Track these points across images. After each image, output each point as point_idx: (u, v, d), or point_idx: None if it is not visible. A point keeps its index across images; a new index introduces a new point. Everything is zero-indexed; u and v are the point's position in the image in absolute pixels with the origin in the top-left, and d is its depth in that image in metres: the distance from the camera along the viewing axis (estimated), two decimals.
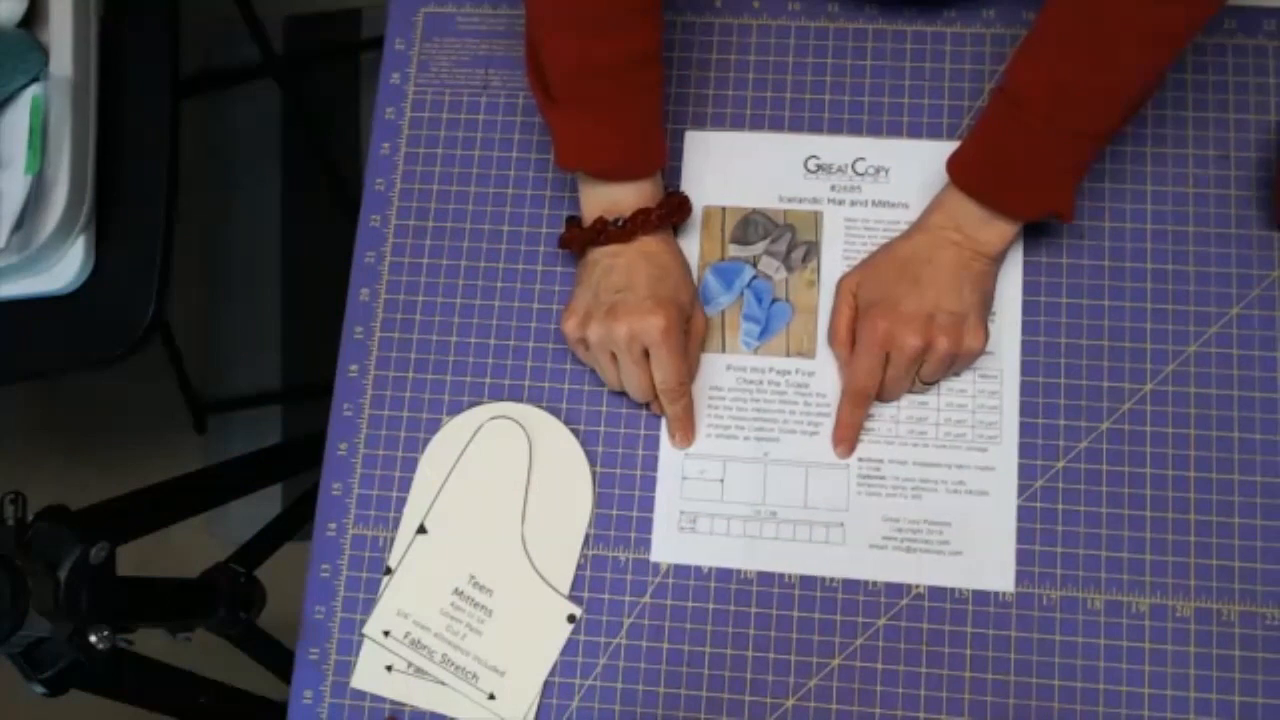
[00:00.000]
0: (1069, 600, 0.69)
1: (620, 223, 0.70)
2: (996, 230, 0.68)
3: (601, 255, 0.71)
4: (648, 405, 0.74)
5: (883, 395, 0.72)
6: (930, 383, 0.72)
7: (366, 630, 0.73)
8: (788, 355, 0.74)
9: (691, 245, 0.76)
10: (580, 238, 0.72)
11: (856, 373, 0.70)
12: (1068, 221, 0.69)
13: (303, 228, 1.60)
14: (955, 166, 0.69)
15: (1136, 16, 0.60)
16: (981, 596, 0.70)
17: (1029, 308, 0.73)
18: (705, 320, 0.75)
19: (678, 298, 0.70)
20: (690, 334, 0.73)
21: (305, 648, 0.73)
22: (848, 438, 0.72)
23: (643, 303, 0.68)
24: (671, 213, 0.72)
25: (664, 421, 0.74)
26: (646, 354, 0.70)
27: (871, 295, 0.71)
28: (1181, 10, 0.61)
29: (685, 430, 0.73)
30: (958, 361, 0.70)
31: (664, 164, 0.72)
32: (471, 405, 0.76)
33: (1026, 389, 0.72)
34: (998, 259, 0.70)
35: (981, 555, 0.70)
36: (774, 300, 0.75)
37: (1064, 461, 0.71)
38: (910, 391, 0.72)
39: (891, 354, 0.69)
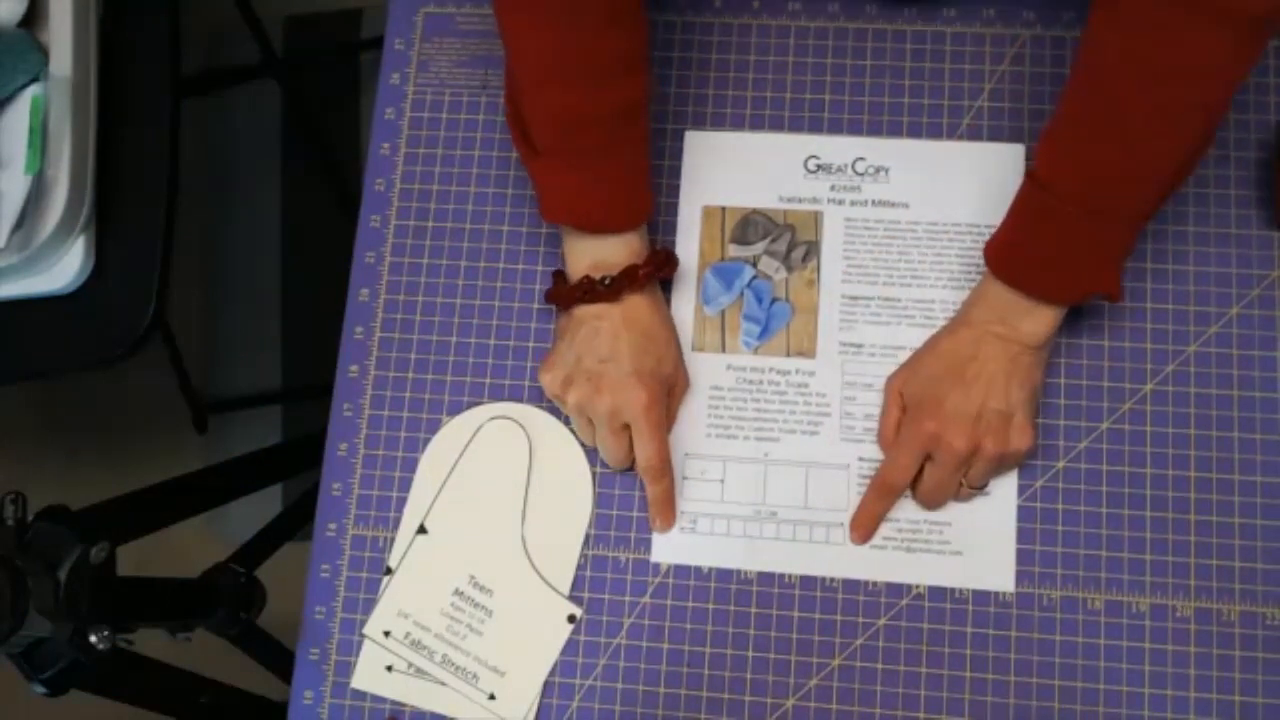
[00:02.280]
0: (1069, 600, 0.69)
1: (607, 281, 0.69)
2: (1040, 318, 0.66)
3: (586, 315, 0.70)
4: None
5: (929, 500, 0.70)
6: (977, 487, 0.70)
7: (367, 630, 0.73)
8: (788, 355, 0.74)
9: (691, 245, 0.76)
10: (568, 295, 0.71)
11: (892, 468, 0.69)
12: (1117, 301, 0.66)
13: (303, 228, 1.60)
14: (992, 255, 0.67)
15: (1158, 92, 0.58)
16: (981, 596, 0.70)
17: None
18: (687, 381, 0.74)
19: (661, 370, 0.70)
20: (671, 395, 0.72)
21: (305, 648, 0.73)
22: (866, 526, 0.71)
23: (626, 377, 0.68)
24: (659, 268, 0.71)
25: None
26: (626, 426, 0.70)
27: (917, 394, 0.69)
28: (1204, 82, 0.58)
29: (666, 514, 0.72)
30: (1005, 462, 0.69)
31: (650, 215, 0.71)
32: (471, 405, 0.76)
33: None
34: (1044, 347, 0.68)
35: (981, 555, 0.70)
36: (774, 300, 0.75)
37: (1064, 461, 0.71)
38: (957, 498, 0.70)
39: (936, 455, 0.68)
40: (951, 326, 0.70)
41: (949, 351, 0.69)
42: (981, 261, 0.68)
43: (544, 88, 0.66)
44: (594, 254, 0.70)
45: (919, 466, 0.69)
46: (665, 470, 0.70)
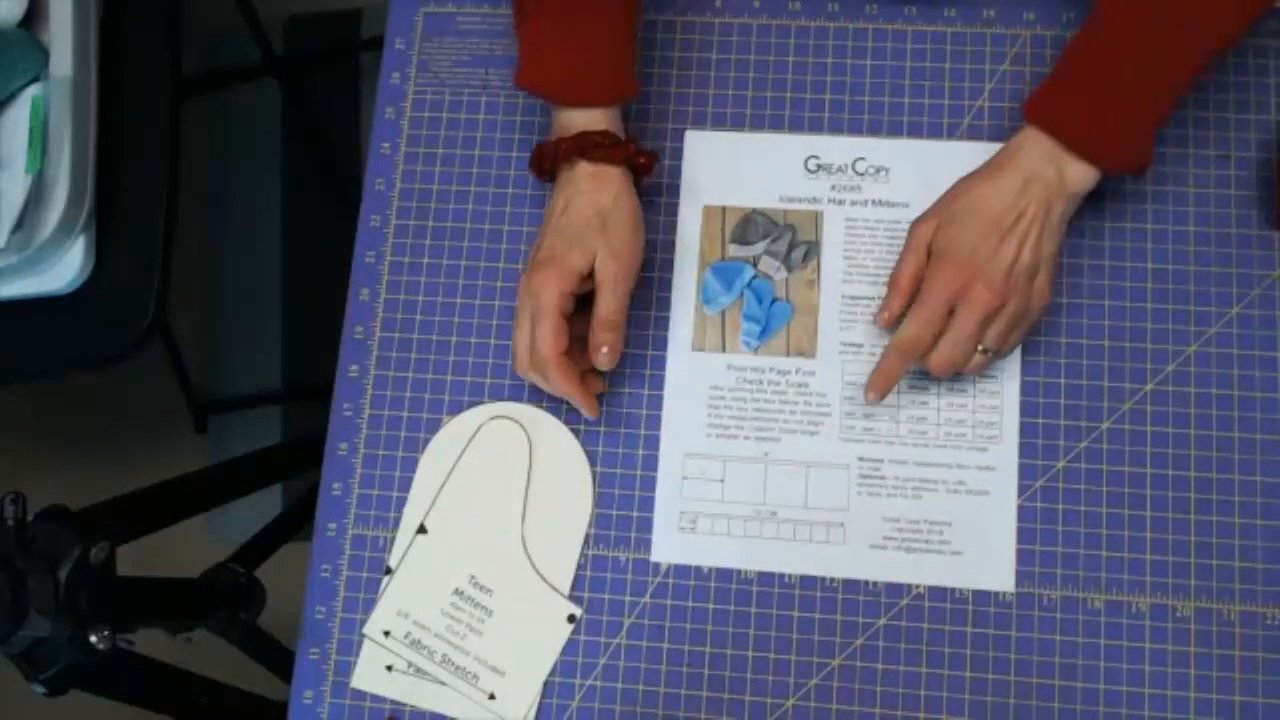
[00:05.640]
0: (1069, 600, 0.69)
1: (561, 143, 0.70)
2: (1085, 166, 0.66)
3: (552, 196, 0.71)
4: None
5: (942, 363, 0.67)
6: (990, 349, 0.67)
7: (367, 630, 0.73)
8: (788, 355, 0.74)
9: (691, 245, 0.76)
10: (534, 156, 0.73)
11: (915, 322, 0.66)
12: (1147, 167, 0.68)
13: (303, 228, 1.60)
14: (1037, 105, 0.67)
15: None
16: (981, 596, 0.70)
17: None
18: (629, 272, 0.69)
19: (569, 251, 0.67)
20: (603, 280, 0.68)
21: (305, 648, 0.73)
22: (881, 386, 0.69)
23: (536, 262, 0.68)
24: (615, 145, 0.69)
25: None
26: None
27: (948, 242, 0.67)
28: None
29: (579, 399, 0.69)
30: (1022, 323, 0.67)
31: (627, 96, 0.72)
32: (471, 405, 0.76)
33: (1026, 389, 0.72)
34: (1078, 200, 0.67)
35: (981, 555, 0.70)
36: (774, 300, 0.75)
37: (1064, 461, 0.71)
38: (967, 368, 0.68)
39: (961, 309, 0.65)
40: (992, 170, 0.68)
41: (991, 197, 0.66)
42: None
43: None
44: (562, 125, 0.71)
45: (943, 322, 0.67)
46: (549, 364, 0.67)
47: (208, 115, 1.62)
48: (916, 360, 0.68)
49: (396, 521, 0.74)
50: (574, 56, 0.70)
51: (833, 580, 0.71)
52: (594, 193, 0.69)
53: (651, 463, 0.73)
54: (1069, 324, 0.73)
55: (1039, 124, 0.66)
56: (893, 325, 0.70)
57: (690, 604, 0.71)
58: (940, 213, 0.69)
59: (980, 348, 0.67)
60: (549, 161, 0.72)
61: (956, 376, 0.71)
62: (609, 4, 0.70)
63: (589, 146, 0.69)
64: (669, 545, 0.72)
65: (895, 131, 0.77)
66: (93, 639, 0.62)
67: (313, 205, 1.60)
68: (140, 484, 0.80)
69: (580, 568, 0.72)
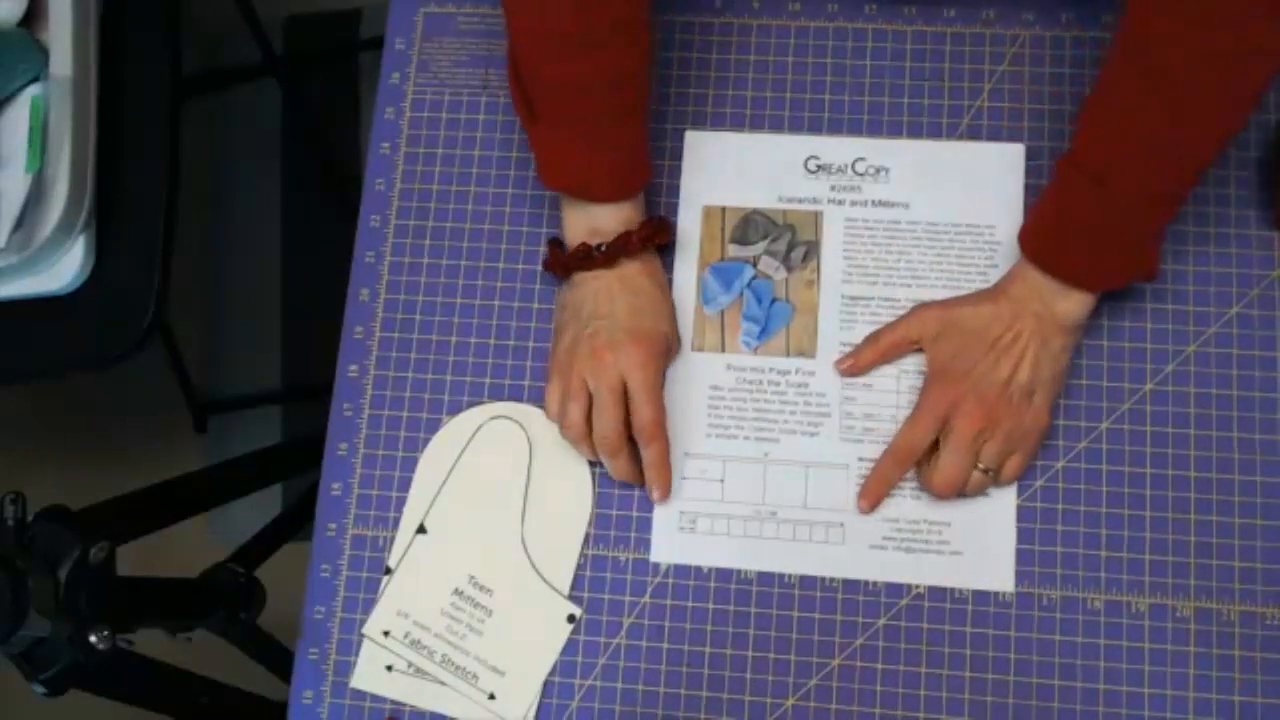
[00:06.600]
0: (1069, 600, 0.69)
1: (603, 247, 0.70)
2: (1077, 300, 0.67)
3: (583, 280, 0.71)
4: (597, 463, 0.73)
5: (943, 483, 0.68)
6: (990, 469, 0.68)
7: (366, 630, 0.73)
8: (788, 355, 0.74)
9: (691, 245, 0.76)
10: (563, 262, 0.72)
11: (912, 432, 0.69)
12: (1153, 279, 0.68)
13: (303, 228, 1.60)
14: (1027, 242, 0.68)
15: (1211, 74, 0.59)
16: (981, 596, 0.70)
17: None
18: (678, 347, 0.74)
19: (657, 327, 0.70)
20: (665, 358, 0.72)
21: (305, 648, 0.73)
22: (876, 493, 0.70)
23: (622, 334, 0.69)
24: (653, 235, 0.71)
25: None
26: (625, 390, 0.69)
27: (946, 357, 0.69)
28: (1258, 66, 0.59)
29: (663, 476, 0.71)
30: (1019, 443, 0.68)
31: (647, 183, 0.72)
32: (471, 405, 0.76)
33: None
34: (1078, 330, 0.69)
35: (981, 555, 0.70)
36: (774, 300, 0.75)
37: (1064, 461, 0.71)
38: (968, 489, 0.69)
39: (954, 423, 0.67)
40: (993, 294, 0.70)
41: (987, 316, 0.68)
42: (988, 260, 0.68)
43: (539, 52, 0.67)
44: (590, 221, 0.71)
45: (937, 433, 0.68)
46: (660, 430, 0.70)
47: (208, 115, 1.62)
48: (912, 464, 0.70)
49: (396, 521, 0.74)
50: (602, 159, 0.69)
51: (833, 580, 0.71)
52: (651, 273, 0.72)
53: None
54: None
55: (1032, 258, 0.67)
56: (852, 375, 0.73)
57: (690, 604, 0.71)
58: (946, 310, 0.70)
59: (980, 466, 0.68)
60: (607, 259, 0.70)
61: (1014, 473, 0.69)
62: (624, 102, 0.69)
63: (655, 233, 0.71)
64: (669, 545, 0.72)
65: (895, 131, 0.77)
66: (93, 639, 0.62)
67: (313, 205, 1.60)
68: (140, 484, 0.80)
69: (580, 568, 0.72)
